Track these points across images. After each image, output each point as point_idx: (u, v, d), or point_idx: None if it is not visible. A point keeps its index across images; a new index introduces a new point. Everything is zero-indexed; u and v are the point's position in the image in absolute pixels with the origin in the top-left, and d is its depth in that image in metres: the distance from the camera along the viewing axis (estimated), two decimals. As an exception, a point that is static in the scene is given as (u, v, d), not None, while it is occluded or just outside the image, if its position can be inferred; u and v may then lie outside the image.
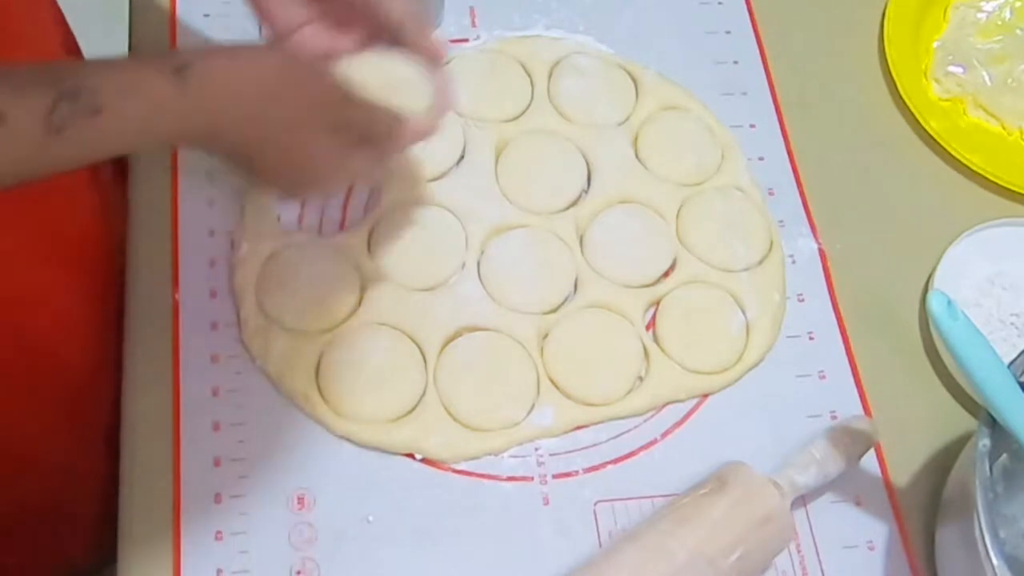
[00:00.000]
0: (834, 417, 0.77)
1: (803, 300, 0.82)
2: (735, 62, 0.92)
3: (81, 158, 0.53)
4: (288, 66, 0.59)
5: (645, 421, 0.76)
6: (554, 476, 0.73)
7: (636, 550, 0.66)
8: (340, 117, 0.61)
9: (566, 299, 0.79)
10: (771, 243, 0.83)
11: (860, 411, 0.78)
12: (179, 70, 0.54)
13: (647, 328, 0.79)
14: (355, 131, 0.62)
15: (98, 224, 0.79)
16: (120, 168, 0.81)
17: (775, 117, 0.89)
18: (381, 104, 0.63)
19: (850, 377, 0.79)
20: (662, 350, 0.78)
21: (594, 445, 0.75)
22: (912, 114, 0.90)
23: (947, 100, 0.94)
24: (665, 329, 0.78)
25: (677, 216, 0.83)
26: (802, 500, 0.73)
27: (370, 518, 0.70)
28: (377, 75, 0.65)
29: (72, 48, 0.82)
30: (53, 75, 0.51)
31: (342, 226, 0.80)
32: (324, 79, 0.61)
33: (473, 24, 0.90)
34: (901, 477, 0.76)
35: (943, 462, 0.76)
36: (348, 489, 0.71)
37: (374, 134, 0.63)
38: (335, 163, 0.62)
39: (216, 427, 0.71)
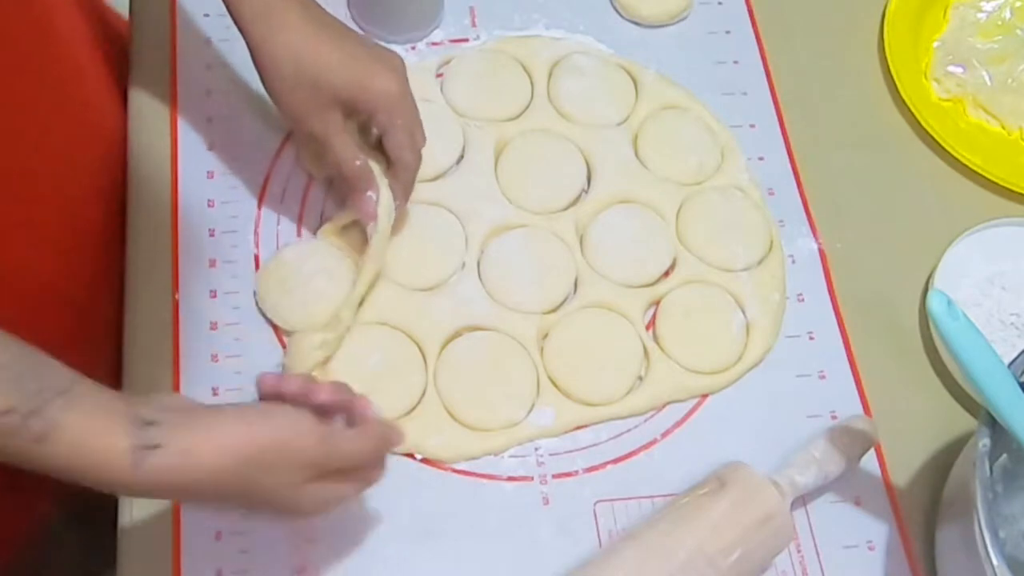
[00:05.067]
0: (834, 417, 0.77)
1: (803, 300, 0.82)
2: (735, 62, 0.92)
3: (9, 462, 0.52)
4: (261, 444, 0.56)
5: (645, 421, 0.76)
6: (554, 476, 0.73)
7: (636, 550, 0.66)
8: (323, 469, 0.59)
9: (566, 299, 0.79)
10: (771, 243, 0.83)
11: (860, 411, 0.78)
12: (141, 449, 0.52)
13: (647, 328, 0.79)
14: (339, 474, 0.61)
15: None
16: (119, 164, 0.81)
17: (775, 117, 0.90)
18: (363, 437, 0.61)
19: (850, 377, 0.79)
20: (662, 350, 0.78)
21: (594, 445, 0.75)
22: (912, 114, 0.90)
23: (947, 100, 0.94)
24: (665, 329, 0.78)
25: (677, 216, 0.83)
26: (802, 500, 0.73)
27: (370, 518, 0.70)
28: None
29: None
30: (23, 383, 0.50)
31: (342, 226, 0.80)
32: (304, 440, 0.58)
33: (473, 24, 0.90)
34: (901, 477, 0.76)
35: (943, 462, 0.76)
36: (348, 489, 0.71)
37: (358, 466, 0.62)
38: (320, 501, 0.60)
39: (216, 427, 0.71)
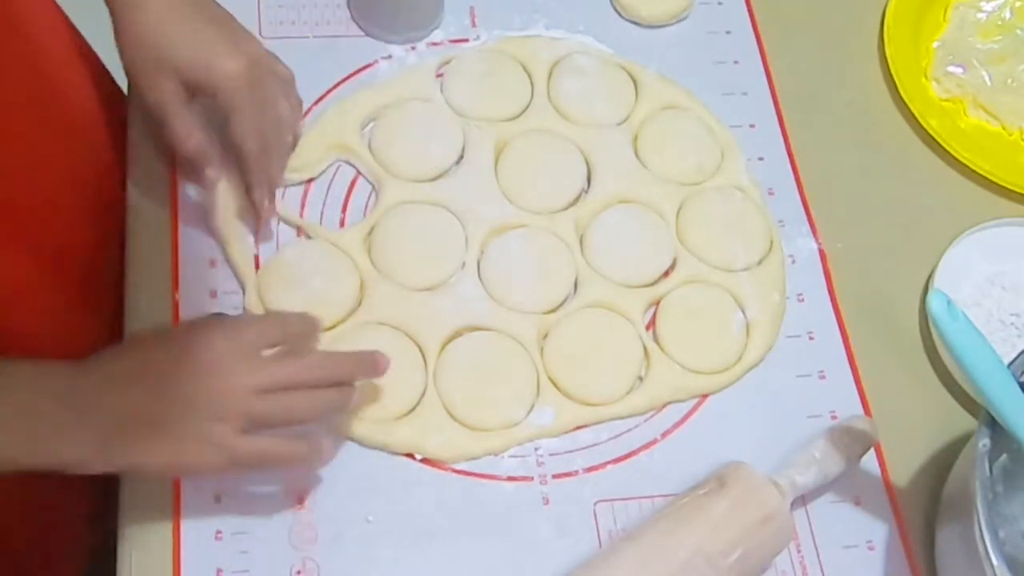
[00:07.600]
0: (834, 417, 0.77)
1: (803, 300, 0.82)
2: (735, 62, 0.92)
3: None
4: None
5: (645, 421, 0.76)
6: (554, 476, 0.73)
7: (636, 550, 0.66)
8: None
9: (566, 299, 0.79)
10: (771, 243, 0.83)
11: (860, 411, 0.78)
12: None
13: (647, 328, 0.79)
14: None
15: (92, 223, 0.79)
16: (119, 167, 0.81)
17: (775, 117, 0.90)
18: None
19: (850, 377, 0.79)
20: (662, 350, 0.78)
21: (594, 445, 0.75)
22: (912, 114, 0.90)
23: (947, 100, 0.94)
24: (665, 329, 0.78)
25: (677, 216, 0.83)
26: (802, 500, 0.73)
27: (370, 518, 0.70)
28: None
29: (81, 48, 0.82)
30: None
31: (342, 225, 0.80)
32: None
33: (473, 24, 0.90)
34: (901, 477, 0.76)
35: (943, 462, 0.76)
36: (348, 489, 0.71)
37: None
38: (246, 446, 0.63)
39: (216, 427, 0.71)
